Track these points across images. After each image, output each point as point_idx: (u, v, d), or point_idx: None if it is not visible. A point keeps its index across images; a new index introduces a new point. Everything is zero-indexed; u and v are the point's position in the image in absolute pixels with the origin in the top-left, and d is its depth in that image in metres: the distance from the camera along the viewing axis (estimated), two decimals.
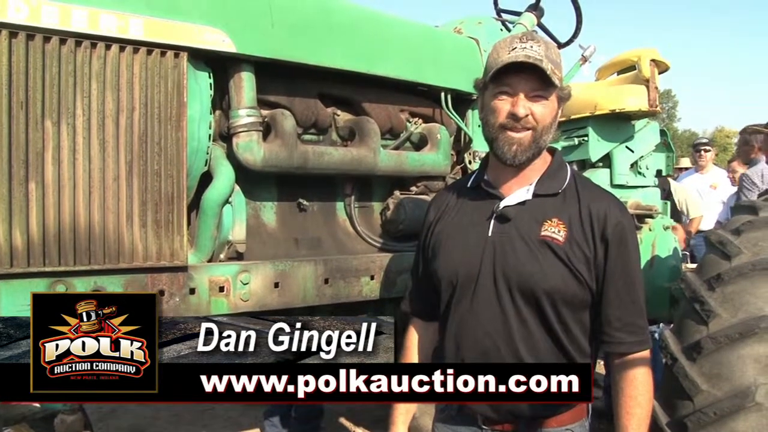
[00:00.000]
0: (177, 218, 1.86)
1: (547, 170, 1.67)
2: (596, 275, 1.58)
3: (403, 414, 1.78)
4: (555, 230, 1.58)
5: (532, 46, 1.54)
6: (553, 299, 1.56)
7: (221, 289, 1.95)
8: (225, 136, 2.08)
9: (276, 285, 2.06)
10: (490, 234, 1.62)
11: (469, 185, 1.76)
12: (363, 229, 2.47)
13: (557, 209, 1.61)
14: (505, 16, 3.45)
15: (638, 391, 1.59)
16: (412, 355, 1.83)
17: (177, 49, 1.84)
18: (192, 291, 1.90)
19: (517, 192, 1.64)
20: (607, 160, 3.58)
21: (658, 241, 3.52)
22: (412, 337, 1.84)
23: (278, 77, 2.17)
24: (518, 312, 1.58)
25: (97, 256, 1.74)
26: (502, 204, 1.63)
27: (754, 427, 2.01)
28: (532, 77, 1.54)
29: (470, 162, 2.69)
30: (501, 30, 3.02)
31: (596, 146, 3.52)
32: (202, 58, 1.95)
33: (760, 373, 2.06)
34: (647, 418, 1.59)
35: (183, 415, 4.71)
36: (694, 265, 3.76)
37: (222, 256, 2.05)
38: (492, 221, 1.63)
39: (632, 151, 3.65)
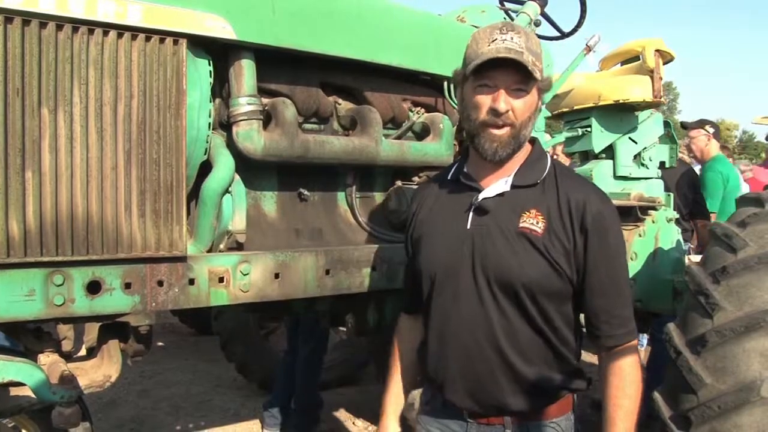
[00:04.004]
0: (176, 208, 1.84)
1: (525, 161, 1.65)
2: (577, 267, 1.57)
3: (393, 404, 1.82)
4: (533, 222, 1.57)
5: (512, 38, 1.52)
6: (531, 292, 1.55)
7: (221, 279, 1.93)
8: (225, 124, 2.06)
9: (276, 276, 2.04)
10: (469, 227, 1.62)
11: (449, 177, 1.76)
12: (364, 220, 2.45)
13: (536, 200, 1.60)
14: (508, 4, 3.42)
15: (626, 382, 1.57)
16: (399, 352, 1.88)
17: (176, 35, 1.81)
18: (191, 281, 1.88)
19: (496, 184, 1.63)
20: (610, 152, 3.56)
21: (661, 233, 3.50)
22: (399, 334, 1.90)
23: (279, 65, 2.14)
24: (498, 305, 1.57)
25: (95, 246, 1.72)
26: (481, 196, 1.63)
27: (758, 422, 1.99)
28: (513, 71, 1.52)
29: None
30: (504, 19, 2.99)
31: (600, 137, 3.50)
32: (201, 45, 1.92)
33: (765, 367, 2.04)
34: (635, 410, 1.57)
35: (182, 407, 4.70)
36: (697, 258, 3.74)
37: (222, 246, 2.02)
38: (471, 214, 1.63)
39: (636, 143, 3.63)
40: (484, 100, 1.54)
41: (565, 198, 1.57)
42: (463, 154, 1.77)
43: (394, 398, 1.84)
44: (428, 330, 1.70)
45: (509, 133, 1.56)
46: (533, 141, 1.69)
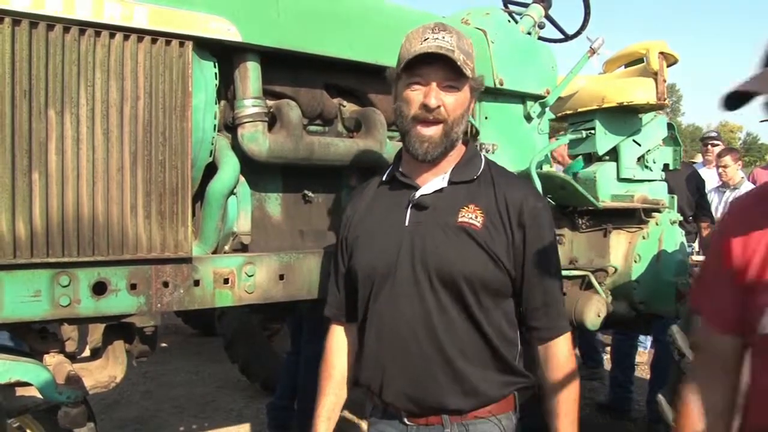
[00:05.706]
0: (181, 209, 1.84)
1: (461, 159, 1.69)
2: (515, 260, 1.60)
3: (324, 422, 1.76)
4: (472, 216, 1.60)
5: (443, 37, 1.57)
6: (472, 285, 1.56)
7: (226, 281, 1.94)
8: (230, 126, 2.06)
9: (281, 277, 2.05)
10: (407, 224, 1.63)
11: (383, 179, 1.77)
12: None
13: (473, 196, 1.63)
14: (512, 7, 3.42)
15: (565, 374, 1.61)
16: (333, 361, 1.80)
17: (182, 38, 1.82)
18: (196, 283, 1.89)
19: (433, 180, 1.66)
20: (614, 154, 3.55)
21: (664, 235, 3.49)
22: (334, 343, 1.82)
23: (284, 67, 2.15)
24: (438, 299, 1.57)
25: (100, 247, 1.73)
26: (418, 193, 1.65)
27: None
28: (444, 67, 1.55)
29: None
30: (508, 21, 2.98)
31: (603, 139, 3.49)
32: (207, 47, 1.93)
33: None
34: (576, 399, 1.61)
35: (186, 408, 4.71)
36: (700, 258, 3.74)
37: (227, 247, 2.03)
38: (409, 211, 1.65)
39: (639, 145, 3.61)
40: (416, 96, 1.58)
41: (503, 195, 1.62)
42: (397, 155, 1.79)
43: (326, 414, 1.77)
44: (365, 332, 1.66)
45: (441, 132, 1.59)
46: (466, 142, 1.73)
